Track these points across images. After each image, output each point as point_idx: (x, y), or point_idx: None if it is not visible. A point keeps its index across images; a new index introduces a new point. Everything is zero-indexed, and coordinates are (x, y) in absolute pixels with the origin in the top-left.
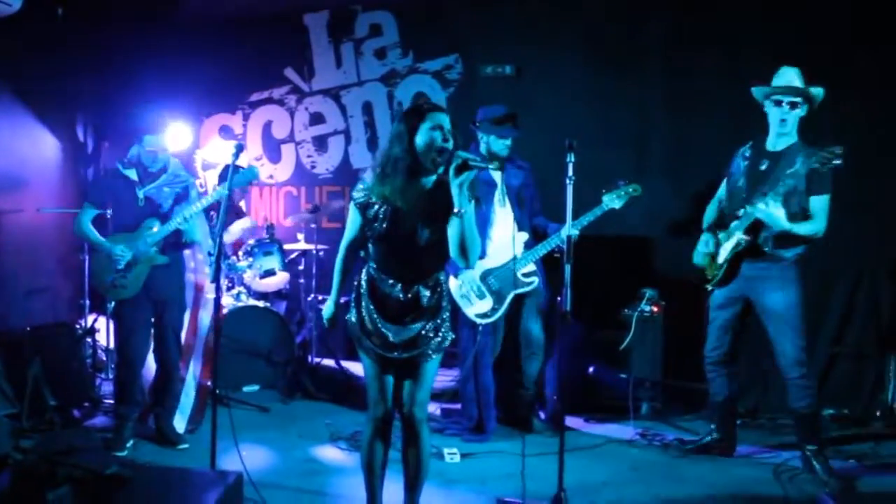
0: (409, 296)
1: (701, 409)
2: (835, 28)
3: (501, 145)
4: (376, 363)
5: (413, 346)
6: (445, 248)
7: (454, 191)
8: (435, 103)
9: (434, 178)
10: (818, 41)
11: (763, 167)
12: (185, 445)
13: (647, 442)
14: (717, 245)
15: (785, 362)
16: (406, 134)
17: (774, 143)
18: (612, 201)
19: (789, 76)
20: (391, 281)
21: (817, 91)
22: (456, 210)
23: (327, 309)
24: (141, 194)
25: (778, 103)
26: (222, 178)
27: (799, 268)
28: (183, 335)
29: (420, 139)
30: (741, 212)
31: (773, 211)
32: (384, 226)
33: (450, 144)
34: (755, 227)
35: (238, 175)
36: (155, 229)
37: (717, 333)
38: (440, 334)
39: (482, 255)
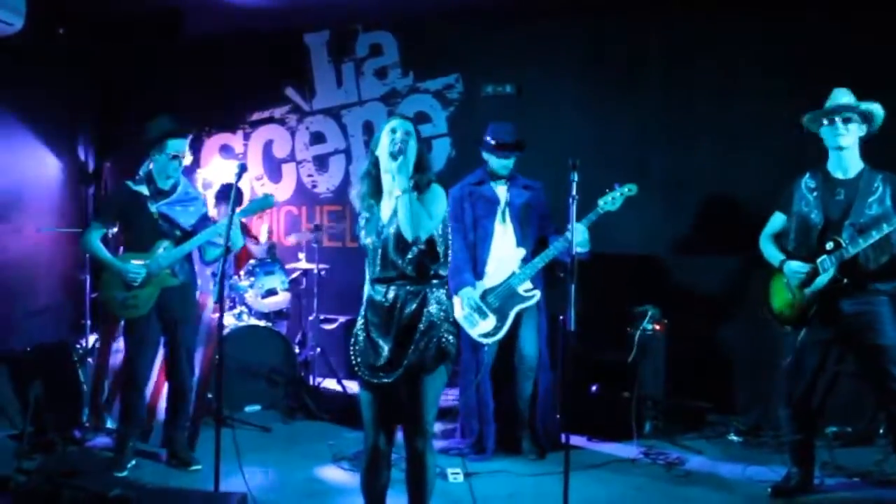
0: (397, 305)
1: (703, 427)
2: (835, 46)
3: (500, 165)
4: (366, 390)
5: (397, 364)
6: (430, 258)
7: (393, 174)
8: (399, 113)
9: (407, 185)
10: (817, 61)
11: (839, 196)
12: (198, 467)
13: (651, 461)
14: (803, 281)
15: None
16: (374, 143)
17: (842, 169)
18: (607, 204)
19: (839, 95)
20: (382, 290)
21: (868, 106)
22: (399, 191)
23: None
24: (154, 209)
25: (831, 122)
26: (219, 197)
27: (894, 303)
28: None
29: (380, 146)
30: (829, 245)
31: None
32: (368, 233)
33: (406, 146)
34: (850, 262)
35: (254, 203)
36: (163, 250)
37: (803, 382)
38: (429, 348)
39: (480, 275)
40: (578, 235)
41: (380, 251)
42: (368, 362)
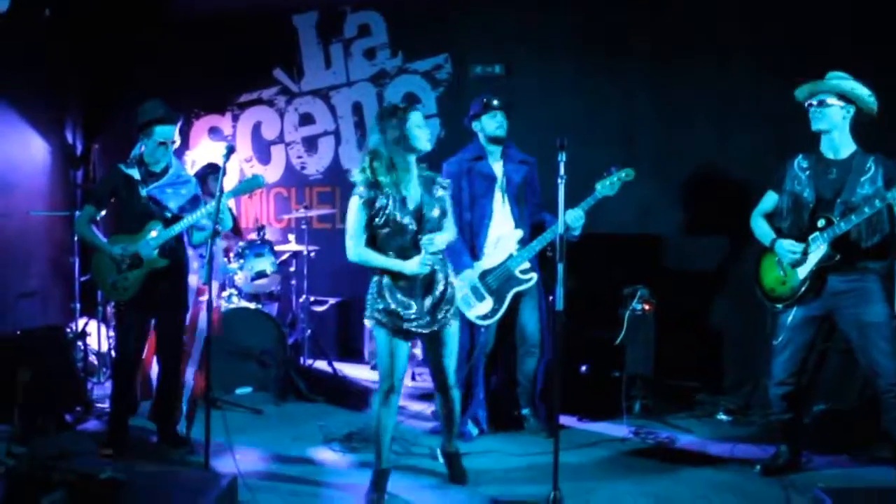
0: (429, 274)
1: (693, 406)
2: (830, 22)
3: (496, 125)
4: (395, 337)
5: (430, 321)
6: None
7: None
8: (407, 104)
9: (421, 168)
10: (805, 44)
11: (832, 175)
12: (189, 448)
13: (641, 440)
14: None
15: (885, 381)
16: (397, 130)
17: (833, 150)
18: (605, 189)
19: (828, 78)
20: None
21: (835, 84)
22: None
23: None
24: (144, 192)
25: (809, 105)
26: (198, 176)
27: (885, 281)
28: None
29: (410, 134)
30: (821, 222)
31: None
32: (390, 214)
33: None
34: (842, 239)
35: (243, 183)
36: (154, 233)
37: (794, 360)
38: (452, 308)
39: (478, 256)
40: (575, 219)
41: (414, 229)
42: (398, 315)
